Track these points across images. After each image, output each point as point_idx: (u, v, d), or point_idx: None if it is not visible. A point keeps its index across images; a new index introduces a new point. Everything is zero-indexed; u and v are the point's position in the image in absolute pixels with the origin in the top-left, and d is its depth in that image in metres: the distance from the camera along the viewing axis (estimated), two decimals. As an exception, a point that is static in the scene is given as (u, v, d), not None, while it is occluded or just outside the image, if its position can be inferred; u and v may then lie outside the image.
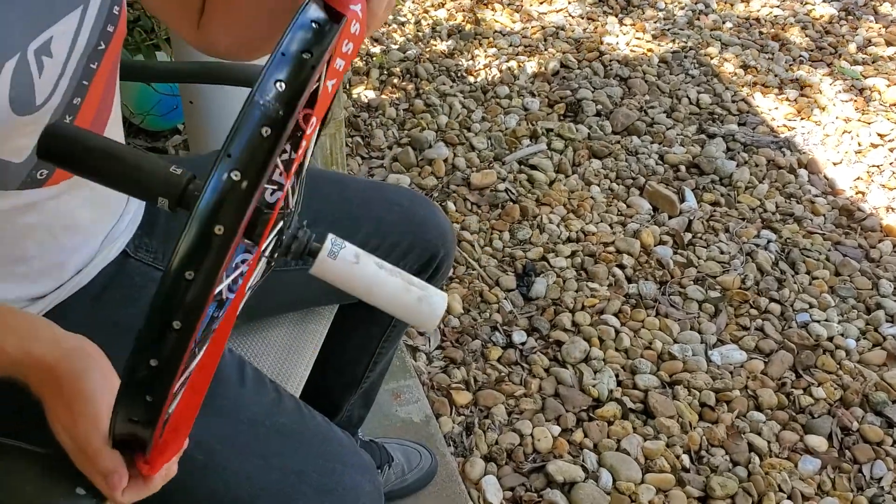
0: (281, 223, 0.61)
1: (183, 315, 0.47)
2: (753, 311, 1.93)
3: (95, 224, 0.92)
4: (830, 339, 1.86)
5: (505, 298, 1.94)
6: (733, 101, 2.58)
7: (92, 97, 0.83)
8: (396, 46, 2.71)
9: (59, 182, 0.82)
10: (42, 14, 0.72)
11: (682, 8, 3.01)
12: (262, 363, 1.06)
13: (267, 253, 0.61)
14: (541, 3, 2.98)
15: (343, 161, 1.77)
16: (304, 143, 0.54)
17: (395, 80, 2.57)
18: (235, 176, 0.45)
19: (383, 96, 2.51)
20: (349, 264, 0.65)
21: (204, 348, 0.54)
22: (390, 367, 1.48)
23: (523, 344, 1.84)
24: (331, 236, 0.65)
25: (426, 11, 2.90)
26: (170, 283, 0.46)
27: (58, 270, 0.89)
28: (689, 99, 2.57)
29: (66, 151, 0.58)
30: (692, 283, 1.99)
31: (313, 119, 0.53)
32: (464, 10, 2.93)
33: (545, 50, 2.76)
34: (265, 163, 0.45)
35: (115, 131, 0.93)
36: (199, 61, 1.27)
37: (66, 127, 0.59)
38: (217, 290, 0.49)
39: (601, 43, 2.79)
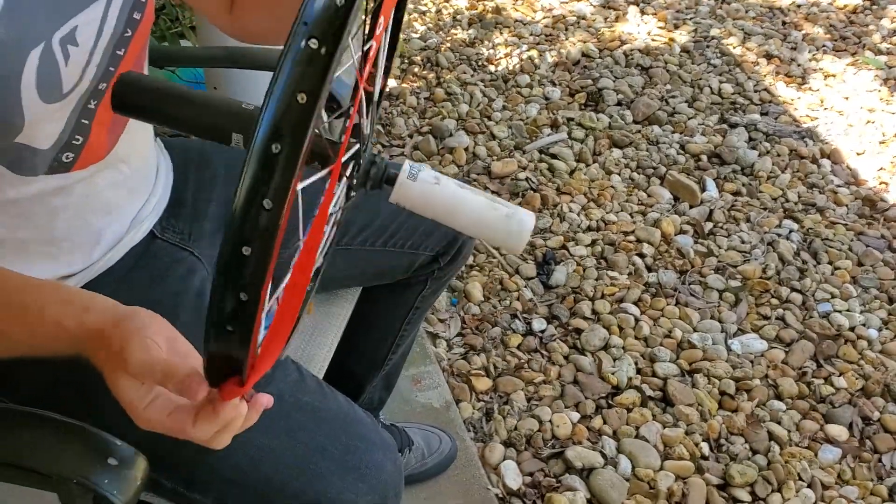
0: (357, 146, 0.61)
1: (273, 193, 0.45)
2: (774, 301, 1.92)
3: (123, 206, 0.93)
4: (852, 328, 1.86)
5: (525, 286, 1.94)
6: (755, 91, 2.57)
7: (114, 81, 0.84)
8: (417, 35, 2.72)
9: (87, 166, 0.84)
10: (67, 3, 0.73)
11: (705, -3, 3.00)
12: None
13: (347, 174, 0.61)
14: (562, -7, 2.98)
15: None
16: (374, 45, 0.55)
17: (416, 69, 2.58)
18: (313, 44, 0.44)
19: (404, 85, 2.51)
20: (430, 185, 0.63)
21: (295, 257, 0.53)
22: (410, 354, 1.50)
23: (543, 331, 1.84)
24: (407, 161, 0.65)
25: (447, 0, 2.91)
26: (257, 158, 0.45)
27: (86, 251, 0.91)
28: (711, 88, 2.56)
29: (139, 101, 0.58)
30: (713, 272, 1.98)
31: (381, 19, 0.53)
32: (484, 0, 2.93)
33: (566, 39, 2.75)
34: (341, 29, 0.44)
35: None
36: (223, 46, 1.28)
37: (137, 77, 0.59)
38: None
39: (622, 32, 2.78)
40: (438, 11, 2.85)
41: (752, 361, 1.79)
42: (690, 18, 2.88)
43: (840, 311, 1.89)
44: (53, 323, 0.68)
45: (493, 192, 2.18)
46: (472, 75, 2.58)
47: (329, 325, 1.17)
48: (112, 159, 0.87)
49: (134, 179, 0.94)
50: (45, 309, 0.69)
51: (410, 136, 2.34)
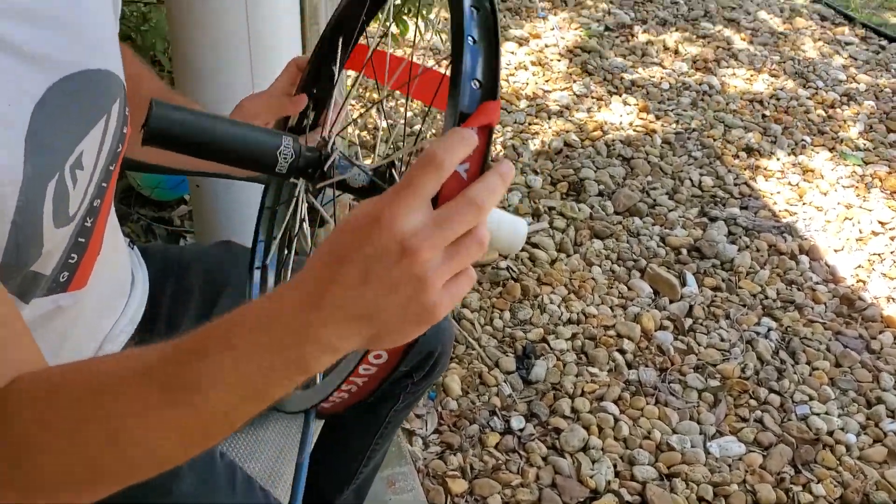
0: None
1: None
2: (753, 402, 1.91)
3: (99, 322, 0.93)
4: (830, 433, 1.85)
5: (504, 381, 1.93)
6: (735, 185, 2.60)
7: (108, 197, 0.85)
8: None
9: (83, 286, 0.84)
10: (76, 129, 0.74)
11: (687, 88, 3.06)
12: (252, 465, 1.05)
13: None
14: (546, 82, 3.03)
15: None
16: None
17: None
18: None
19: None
20: None
21: None
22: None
23: (521, 430, 1.82)
24: None
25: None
26: None
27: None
28: (692, 181, 2.59)
29: (175, 135, 0.58)
30: (692, 370, 1.98)
31: None
32: (470, 85, 2.97)
33: (549, 128, 2.79)
34: None
35: (112, 222, 0.95)
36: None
37: (170, 109, 0.60)
38: None
39: (604, 122, 2.83)
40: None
41: (730, 465, 1.77)
42: (672, 110, 2.93)
43: (818, 415, 1.88)
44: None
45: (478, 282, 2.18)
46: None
47: (295, 445, 1.14)
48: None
49: (107, 296, 0.94)
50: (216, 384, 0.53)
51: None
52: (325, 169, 0.74)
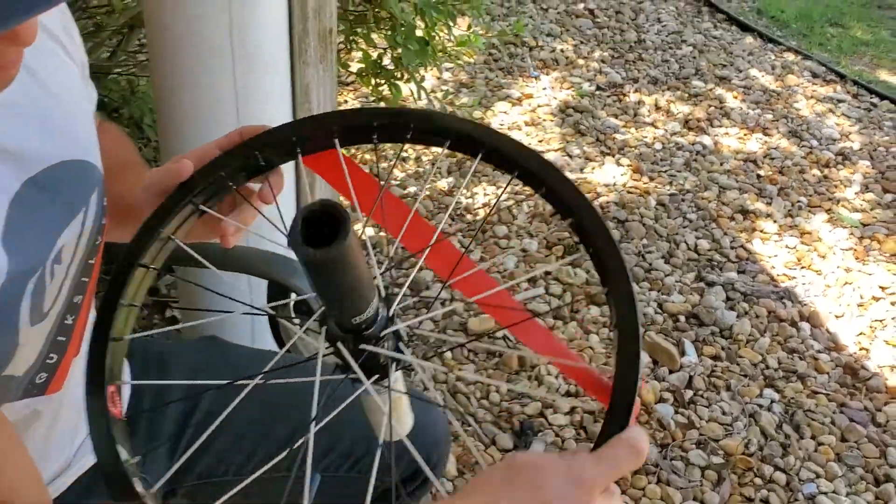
0: None
1: None
2: (758, 481, 1.85)
3: (80, 423, 0.89)
4: (839, 513, 1.79)
5: (501, 459, 1.86)
6: (732, 248, 2.57)
7: (88, 293, 0.81)
8: (397, 182, 2.71)
9: (61, 388, 0.80)
10: (55, 223, 0.72)
11: (680, 148, 3.04)
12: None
13: None
14: (539, 142, 3.01)
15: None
16: None
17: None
18: None
19: (381, 234, 2.49)
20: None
21: None
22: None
23: (519, 511, 1.75)
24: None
25: (427, 147, 2.92)
26: None
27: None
28: (688, 244, 2.56)
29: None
30: (694, 446, 1.92)
31: None
32: (463, 146, 2.94)
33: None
34: None
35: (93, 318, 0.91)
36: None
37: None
38: None
39: (598, 183, 2.80)
40: (418, 158, 2.86)
41: (737, 550, 1.70)
42: (665, 171, 2.91)
43: (826, 493, 1.82)
44: None
45: (469, 350, 2.12)
46: (451, 224, 2.56)
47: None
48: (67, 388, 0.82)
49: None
50: None
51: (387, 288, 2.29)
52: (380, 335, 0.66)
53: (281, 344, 1.25)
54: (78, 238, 0.76)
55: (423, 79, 2.34)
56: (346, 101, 3.11)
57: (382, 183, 0.74)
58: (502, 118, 3.13)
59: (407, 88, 2.30)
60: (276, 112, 1.35)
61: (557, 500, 0.56)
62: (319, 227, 0.52)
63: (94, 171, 0.79)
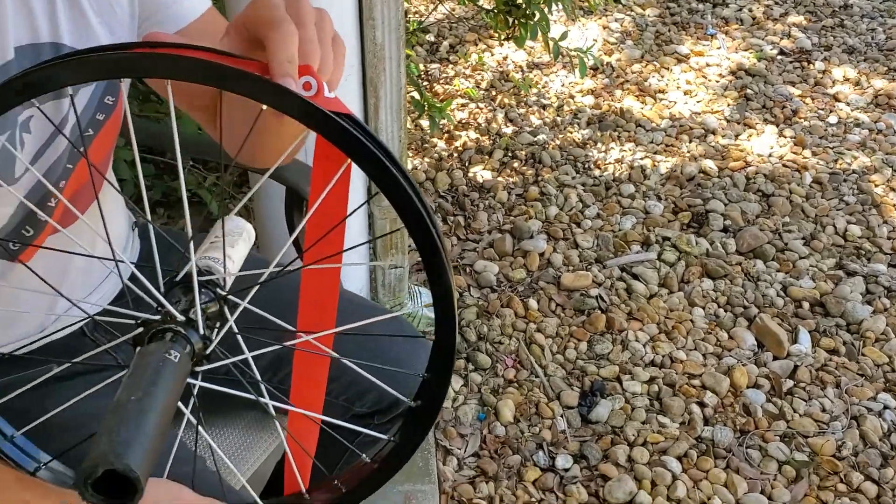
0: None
1: None
2: (842, 487, 1.67)
3: (54, 301, 0.93)
4: (930, 541, 1.57)
5: (561, 415, 1.80)
6: (889, 238, 2.29)
7: (73, 180, 0.85)
8: (529, 129, 2.65)
9: (30, 258, 0.85)
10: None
11: (859, 125, 2.74)
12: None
13: None
14: (697, 102, 2.82)
15: (404, 245, 1.74)
16: None
17: (517, 164, 2.51)
18: None
19: (500, 178, 2.45)
20: None
21: None
22: (409, 466, 1.41)
23: (566, 470, 1.70)
24: None
25: (572, 97, 2.83)
26: None
27: (5, 330, 0.91)
28: (836, 228, 2.31)
29: None
30: (777, 438, 1.75)
31: None
32: (612, 99, 2.82)
33: (686, 152, 2.59)
34: None
35: (108, 207, 0.96)
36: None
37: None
38: None
39: (750, 152, 2.59)
40: (560, 107, 2.78)
41: (794, 555, 1.55)
42: (833, 147, 2.63)
43: (921, 517, 1.61)
44: None
45: (557, 304, 2.06)
46: (574, 177, 2.48)
47: (260, 442, 1.11)
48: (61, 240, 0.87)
49: (74, 273, 0.94)
50: None
51: (489, 233, 2.26)
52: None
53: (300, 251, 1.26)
54: (59, 122, 0.79)
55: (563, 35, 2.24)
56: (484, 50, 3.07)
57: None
58: (663, 73, 2.96)
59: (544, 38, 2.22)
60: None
61: None
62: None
63: None
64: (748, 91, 2.87)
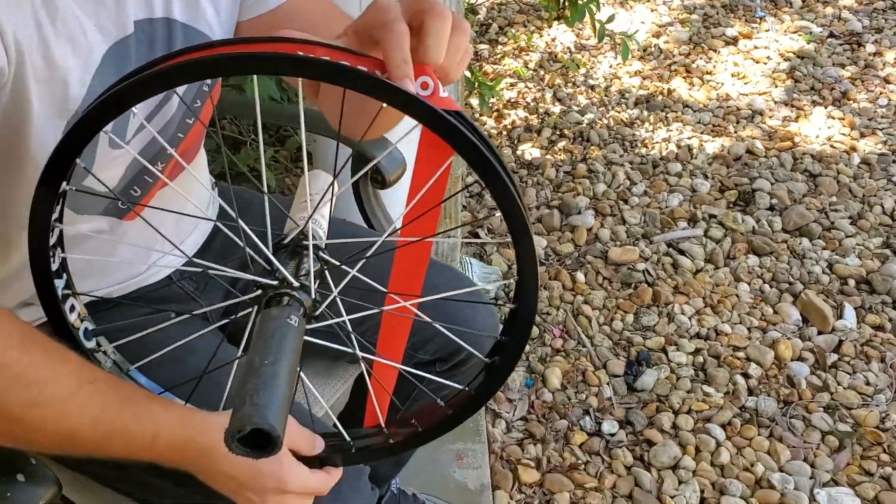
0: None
1: None
2: (885, 457, 1.70)
3: (149, 254, 1.01)
4: (972, 510, 1.60)
5: (608, 383, 1.85)
6: (938, 218, 2.30)
7: (183, 145, 0.93)
8: (577, 108, 2.69)
9: (134, 218, 0.92)
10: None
11: (909, 107, 2.73)
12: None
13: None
14: (745, 84, 2.83)
15: (457, 214, 1.80)
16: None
17: (565, 142, 2.55)
18: None
19: (548, 156, 2.50)
20: None
21: None
22: (460, 427, 1.47)
23: (612, 435, 1.75)
24: None
25: (619, 77, 2.86)
26: None
27: (97, 279, 0.98)
28: (883, 208, 2.32)
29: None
30: (821, 409, 1.79)
31: None
32: (660, 80, 2.85)
33: (734, 132, 2.61)
34: None
35: (200, 170, 1.04)
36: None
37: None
38: None
39: (798, 133, 2.60)
40: (607, 88, 2.81)
41: (836, 520, 1.59)
42: (883, 129, 2.63)
43: (963, 487, 1.64)
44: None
45: (604, 277, 2.11)
46: (621, 155, 2.51)
47: (335, 380, 1.18)
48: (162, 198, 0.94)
49: (172, 229, 1.01)
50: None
51: (537, 208, 2.32)
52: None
53: (366, 218, 1.33)
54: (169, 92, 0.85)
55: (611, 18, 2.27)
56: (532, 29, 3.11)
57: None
58: (710, 55, 2.97)
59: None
60: None
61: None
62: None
63: (194, 34, 0.87)
64: (797, 73, 2.87)
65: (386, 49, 0.57)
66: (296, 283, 0.63)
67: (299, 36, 0.57)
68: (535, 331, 1.96)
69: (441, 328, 0.78)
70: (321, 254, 0.68)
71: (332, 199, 0.75)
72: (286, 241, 0.68)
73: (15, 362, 0.68)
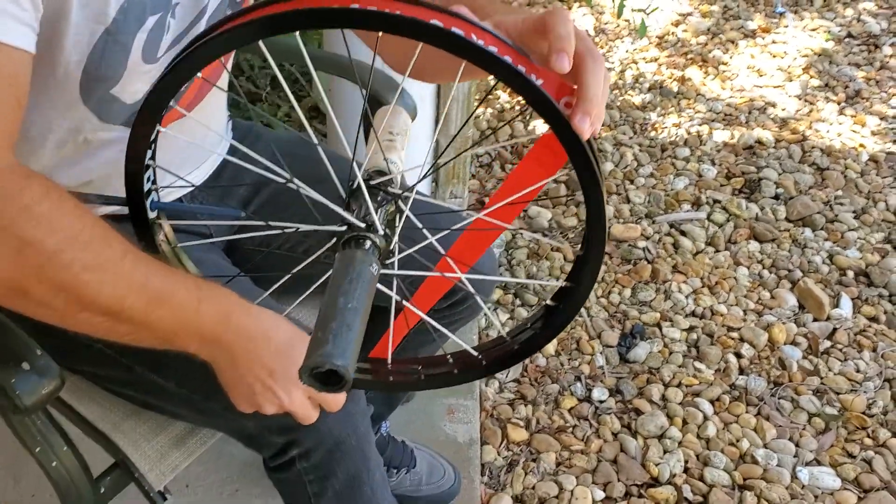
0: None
1: None
2: (868, 441, 1.72)
3: (163, 175, 1.03)
4: (951, 497, 1.62)
5: (601, 353, 1.88)
6: (940, 218, 2.31)
7: (208, 73, 0.94)
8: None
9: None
10: None
11: (921, 110, 2.74)
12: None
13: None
14: (759, 76, 2.85)
15: (466, 176, 1.82)
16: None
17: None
18: None
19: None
20: None
21: None
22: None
23: (601, 402, 1.78)
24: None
25: (636, 62, 2.88)
26: None
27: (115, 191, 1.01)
28: (887, 205, 2.34)
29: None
30: (810, 391, 1.81)
31: None
32: (675, 67, 2.87)
33: (745, 122, 2.63)
34: None
35: (220, 102, 1.07)
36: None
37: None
38: None
39: (809, 127, 2.61)
40: (622, 72, 2.83)
41: (816, 497, 1.61)
42: (893, 129, 2.64)
43: (944, 474, 1.66)
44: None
45: (605, 252, 2.12)
46: (631, 137, 2.53)
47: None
48: (183, 127, 0.97)
49: (181, 157, 1.04)
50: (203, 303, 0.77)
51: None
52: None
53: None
54: (196, 11, 0.87)
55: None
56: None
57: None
58: (728, 47, 2.99)
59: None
60: None
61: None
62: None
63: None
64: (812, 69, 2.89)
65: (588, 81, 0.58)
66: (381, 231, 0.64)
67: (471, 17, 0.58)
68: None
69: (502, 279, 0.79)
70: (391, 190, 0.69)
71: (405, 140, 0.75)
72: (354, 185, 0.68)
73: (69, 227, 0.71)
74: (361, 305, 0.57)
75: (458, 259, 0.74)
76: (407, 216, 0.70)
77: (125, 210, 0.75)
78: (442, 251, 0.74)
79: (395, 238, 0.67)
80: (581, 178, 0.60)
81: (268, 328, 0.80)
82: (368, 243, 0.63)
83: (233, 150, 1.17)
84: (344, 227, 0.65)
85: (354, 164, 0.69)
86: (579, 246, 0.69)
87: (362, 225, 0.65)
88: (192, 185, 1.07)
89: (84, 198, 0.79)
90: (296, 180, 0.70)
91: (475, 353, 0.78)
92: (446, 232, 0.71)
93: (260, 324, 0.80)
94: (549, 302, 0.74)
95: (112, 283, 0.71)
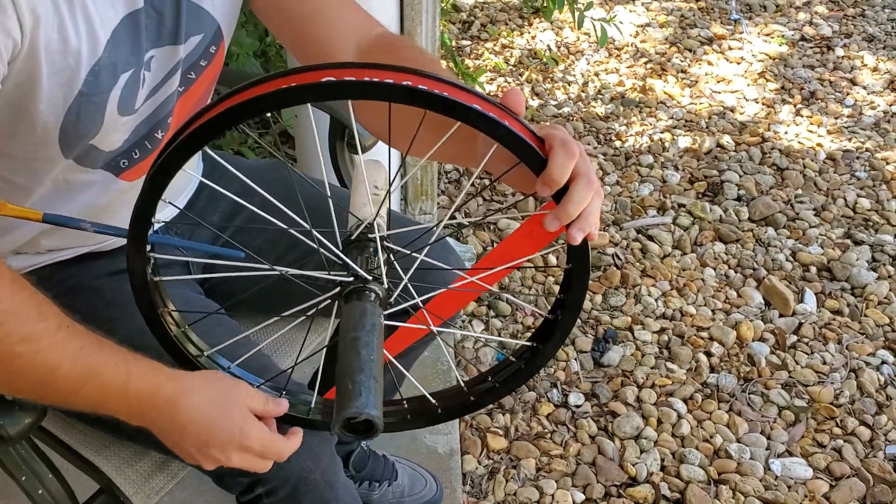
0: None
1: None
2: (837, 430, 1.77)
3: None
4: (918, 480, 1.67)
5: (575, 358, 1.92)
6: (896, 212, 2.38)
7: (176, 116, 0.98)
8: (554, 103, 2.77)
9: (134, 180, 0.97)
10: (152, 39, 0.88)
11: (874, 108, 2.83)
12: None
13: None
14: (718, 82, 2.92)
15: (434, 193, 1.86)
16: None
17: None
18: None
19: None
20: None
21: None
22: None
23: (578, 406, 1.81)
24: None
25: (597, 74, 2.94)
26: None
27: (79, 238, 1.03)
28: (846, 201, 2.41)
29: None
30: (779, 386, 1.86)
31: None
32: (636, 78, 2.93)
33: (705, 127, 2.70)
34: None
35: None
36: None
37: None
38: None
39: (767, 129, 2.68)
40: (585, 84, 2.89)
41: (789, 487, 1.66)
42: (848, 127, 2.72)
43: (911, 459, 1.71)
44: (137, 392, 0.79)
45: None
46: (595, 147, 2.59)
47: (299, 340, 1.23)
48: None
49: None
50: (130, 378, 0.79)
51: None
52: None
53: (340, 180, 1.39)
54: (171, 63, 0.91)
55: (588, 5, 2.35)
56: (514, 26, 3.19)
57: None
58: (685, 55, 3.06)
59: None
60: None
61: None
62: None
63: (208, 19, 0.94)
64: (768, 73, 2.97)
65: (574, 200, 0.65)
66: (383, 285, 0.69)
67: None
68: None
69: (507, 296, 0.84)
70: (385, 243, 0.74)
71: (388, 192, 0.79)
72: (353, 237, 0.73)
73: (8, 298, 0.73)
74: (379, 356, 0.61)
75: (434, 312, 0.78)
76: (403, 256, 0.75)
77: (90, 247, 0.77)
78: (422, 305, 0.78)
79: (396, 291, 0.71)
80: (574, 271, 0.69)
81: (196, 401, 0.81)
82: (374, 294, 0.68)
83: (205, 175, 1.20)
84: (351, 278, 0.69)
85: (350, 215, 0.73)
86: (548, 310, 0.74)
87: (369, 277, 0.69)
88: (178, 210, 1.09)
89: (78, 224, 0.82)
90: (288, 270, 0.75)
91: (433, 401, 0.82)
92: (435, 291, 0.77)
93: (189, 397, 0.80)
94: (511, 358, 0.78)
95: (45, 353, 0.73)
